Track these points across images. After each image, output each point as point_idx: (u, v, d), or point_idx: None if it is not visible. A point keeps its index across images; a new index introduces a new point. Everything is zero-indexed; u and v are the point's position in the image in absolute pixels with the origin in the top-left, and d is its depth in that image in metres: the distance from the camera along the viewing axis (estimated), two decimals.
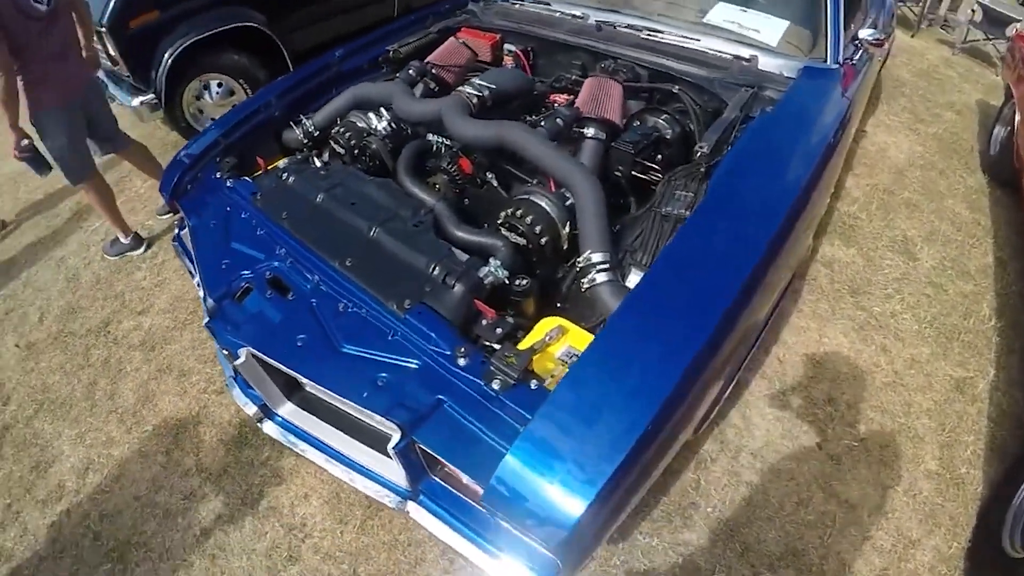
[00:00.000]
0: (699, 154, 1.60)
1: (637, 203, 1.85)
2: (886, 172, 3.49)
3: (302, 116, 2.16)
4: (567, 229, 1.55)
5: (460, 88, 1.89)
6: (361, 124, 2.02)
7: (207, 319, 1.45)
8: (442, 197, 1.69)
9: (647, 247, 1.49)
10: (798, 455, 1.97)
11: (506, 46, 2.49)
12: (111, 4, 3.16)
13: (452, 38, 2.39)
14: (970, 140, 3.86)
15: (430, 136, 1.98)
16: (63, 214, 3.50)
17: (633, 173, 1.77)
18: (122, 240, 3.03)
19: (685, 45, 2.09)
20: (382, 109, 2.06)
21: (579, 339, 1.25)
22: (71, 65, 2.54)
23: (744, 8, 2.23)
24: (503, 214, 1.56)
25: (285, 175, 1.75)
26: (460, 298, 1.29)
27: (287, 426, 1.58)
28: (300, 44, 3.93)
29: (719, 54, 2.02)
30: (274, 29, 3.76)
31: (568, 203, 1.56)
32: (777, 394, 2.15)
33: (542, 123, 1.75)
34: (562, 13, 2.44)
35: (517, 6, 2.62)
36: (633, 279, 1.46)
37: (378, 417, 1.17)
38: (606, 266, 1.38)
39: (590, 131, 1.76)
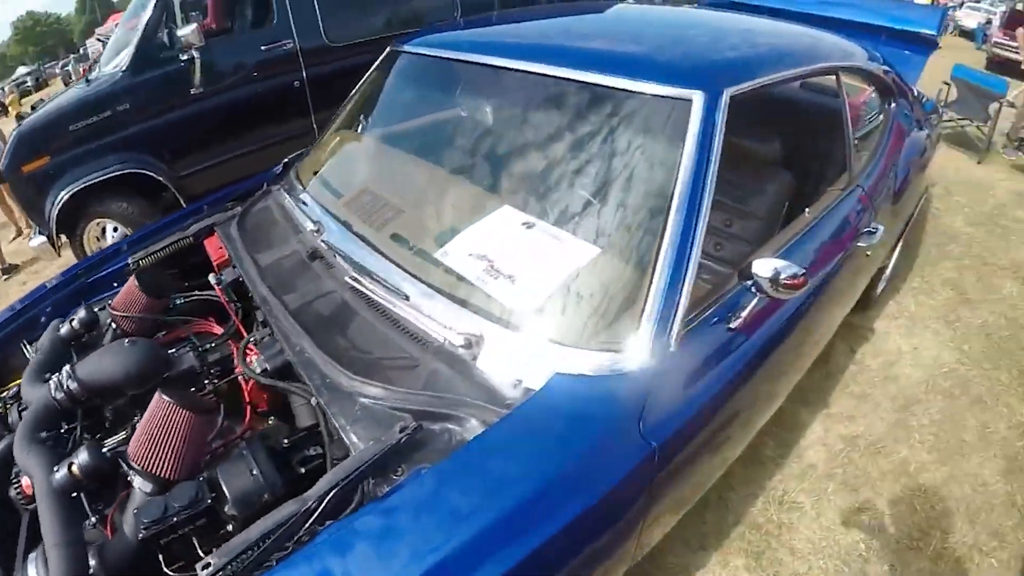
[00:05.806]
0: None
1: None
2: (885, 409, 2.47)
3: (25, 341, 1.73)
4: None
5: (52, 380, 1.37)
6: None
7: None
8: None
9: None
10: None
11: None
12: (8, 149, 3.50)
13: (133, 278, 1.65)
14: None
15: None
16: None
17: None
18: None
19: (385, 307, 1.38)
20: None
21: None
22: None
23: (533, 221, 1.41)
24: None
25: None
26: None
27: None
28: (198, 188, 3.86)
29: (422, 334, 1.30)
30: (171, 174, 3.78)
31: None
32: None
33: (57, 470, 1.20)
34: (307, 217, 1.80)
35: (286, 202, 1.96)
36: None
37: None
38: None
39: (136, 481, 1.22)
